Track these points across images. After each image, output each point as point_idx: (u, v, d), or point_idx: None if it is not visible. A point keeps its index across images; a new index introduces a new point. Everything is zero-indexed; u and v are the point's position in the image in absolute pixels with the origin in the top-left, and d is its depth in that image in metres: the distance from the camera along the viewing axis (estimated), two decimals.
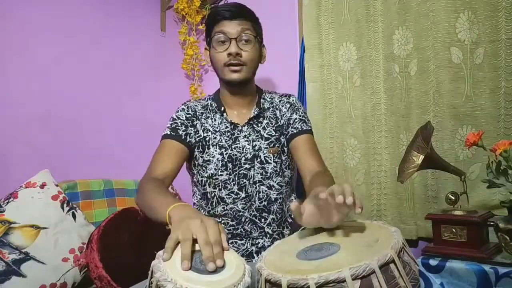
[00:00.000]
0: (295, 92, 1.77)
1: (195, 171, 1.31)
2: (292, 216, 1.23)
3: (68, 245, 1.48)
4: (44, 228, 1.45)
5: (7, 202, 1.44)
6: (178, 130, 1.26)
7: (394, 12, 1.48)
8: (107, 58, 1.99)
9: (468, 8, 1.33)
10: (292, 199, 1.35)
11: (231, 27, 1.24)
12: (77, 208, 1.59)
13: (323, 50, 1.68)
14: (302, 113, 1.35)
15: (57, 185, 1.56)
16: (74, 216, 1.55)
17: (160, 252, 0.81)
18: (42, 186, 1.51)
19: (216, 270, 0.78)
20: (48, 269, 1.41)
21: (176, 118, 1.29)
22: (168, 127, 1.28)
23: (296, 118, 1.32)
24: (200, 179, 1.28)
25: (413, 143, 1.16)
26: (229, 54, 1.23)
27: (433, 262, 1.05)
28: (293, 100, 1.37)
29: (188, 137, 1.27)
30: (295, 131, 1.30)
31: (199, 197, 1.33)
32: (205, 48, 1.34)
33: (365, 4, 1.56)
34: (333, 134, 1.64)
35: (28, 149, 1.69)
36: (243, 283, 0.76)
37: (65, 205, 1.54)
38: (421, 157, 1.12)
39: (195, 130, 1.29)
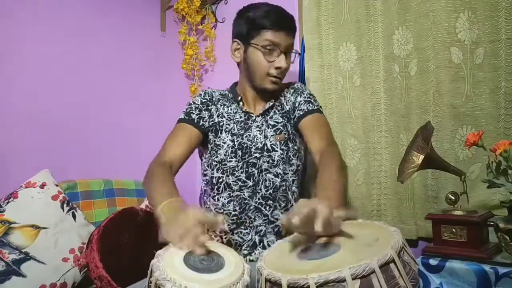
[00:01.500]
0: None
1: (206, 155, 1.33)
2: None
3: (68, 245, 1.48)
4: (44, 228, 1.45)
5: (7, 202, 1.44)
6: (192, 114, 1.30)
7: (394, 12, 1.48)
8: (107, 58, 1.99)
9: (468, 8, 1.32)
10: (297, 189, 1.34)
11: (283, 40, 1.26)
12: (77, 208, 1.59)
13: (323, 50, 1.68)
14: (307, 95, 1.35)
15: (57, 185, 1.57)
16: (74, 216, 1.55)
17: (160, 252, 0.82)
18: (42, 186, 1.51)
19: (215, 268, 0.78)
20: (48, 269, 1.41)
21: (192, 103, 1.33)
22: (183, 111, 1.32)
23: (301, 101, 1.33)
24: (211, 163, 1.30)
25: (413, 143, 1.16)
26: (278, 68, 1.26)
27: (433, 262, 1.04)
28: (297, 86, 1.39)
29: (201, 120, 1.30)
30: (301, 113, 1.30)
31: (205, 182, 1.34)
32: (235, 41, 1.32)
33: (365, 4, 1.56)
34: (333, 134, 1.64)
35: (28, 149, 1.69)
36: (242, 281, 0.77)
37: (65, 205, 1.54)
38: (421, 157, 1.12)
39: (210, 114, 1.32)
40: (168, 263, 0.77)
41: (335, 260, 0.73)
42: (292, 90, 1.37)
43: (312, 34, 1.69)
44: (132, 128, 2.05)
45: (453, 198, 1.10)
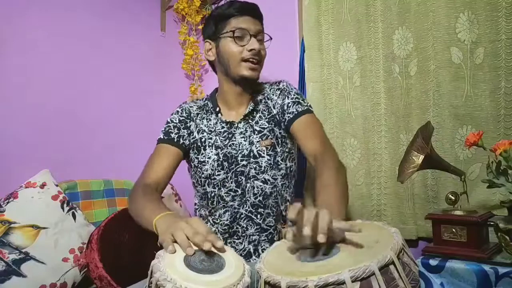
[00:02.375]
0: None
1: (192, 172, 1.32)
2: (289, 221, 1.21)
3: (68, 245, 1.48)
4: (44, 228, 1.45)
5: (7, 202, 1.44)
6: (171, 133, 1.28)
7: (394, 12, 1.48)
8: (107, 58, 1.99)
9: (468, 8, 1.32)
10: (289, 195, 1.31)
11: (251, 24, 1.25)
12: (77, 208, 1.59)
13: (323, 50, 1.68)
14: (294, 95, 1.29)
15: (57, 185, 1.57)
16: (74, 216, 1.55)
17: (160, 252, 0.82)
18: (42, 186, 1.51)
19: (215, 269, 0.78)
20: (48, 269, 1.41)
21: (170, 122, 1.31)
22: (162, 131, 1.30)
23: (289, 103, 1.27)
24: (198, 179, 1.29)
25: (413, 143, 1.16)
26: (251, 50, 1.23)
27: (433, 262, 1.05)
28: (283, 86, 1.33)
29: (181, 139, 1.28)
30: (291, 116, 1.25)
31: (200, 197, 1.33)
32: (207, 41, 1.31)
33: (365, 4, 1.55)
34: (333, 134, 1.64)
35: (28, 149, 1.69)
36: (243, 282, 0.76)
37: (65, 205, 1.54)
38: (421, 157, 1.12)
39: (189, 132, 1.30)
40: (169, 263, 0.77)
41: (334, 262, 0.73)
42: (278, 92, 1.31)
43: (312, 34, 1.69)
44: (132, 128, 2.05)
45: (453, 198, 1.10)
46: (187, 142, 1.29)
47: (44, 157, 1.71)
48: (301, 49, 1.76)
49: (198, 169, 1.27)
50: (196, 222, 0.87)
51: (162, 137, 1.28)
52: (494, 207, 1.26)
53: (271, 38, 1.31)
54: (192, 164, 1.29)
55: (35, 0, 1.75)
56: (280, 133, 1.28)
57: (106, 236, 1.44)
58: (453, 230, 1.07)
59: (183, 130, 1.29)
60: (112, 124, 1.98)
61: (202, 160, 1.27)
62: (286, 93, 1.30)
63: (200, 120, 1.31)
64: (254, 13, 1.27)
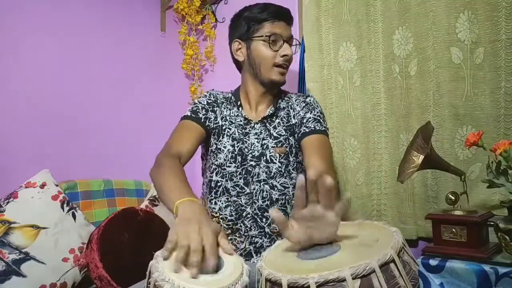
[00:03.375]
0: (295, 92, 1.77)
1: (207, 157, 1.32)
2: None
3: (68, 245, 1.48)
4: (44, 228, 1.45)
5: (7, 202, 1.44)
6: (199, 113, 1.28)
7: (394, 12, 1.48)
8: (107, 58, 1.99)
9: (468, 8, 1.33)
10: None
11: (284, 30, 1.28)
12: (77, 208, 1.59)
13: (323, 50, 1.68)
14: (318, 113, 1.30)
15: (57, 185, 1.57)
16: (74, 216, 1.55)
17: (158, 253, 0.82)
18: (42, 186, 1.51)
19: (214, 270, 0.78)
20: (48, 269, 1.41)
21: (198, 103, 1.32)
22: (189, 109, 1.30)
23: (310, 118, 1.28)
24: (210, 166, 1.29)
25: (413, 143, 1.16)
26: (284, 56, 1.26)
27: (433, 262, 1.04)
28: (310, 100, 1.34)
29: (207, 121, 1.29)
30: (307, 130, 1.26)
31: (205, 185, 1.33)
32: (236, 41, 1.32)
33: (365, 4, 1.56)
34: (333, 134, 1.64)
35: (28, 149, 1.69)
36: (241, 282, 0.76)
37: (65, 205, 1.54)
38: (421, 157, 1.12)
39: (215, 116, 1.31)
40: (167, 264, 0.77)
41: (335, 259, 0.73)
42: (303, 104, 1.32)
43: (312, 34, 1.69)
44: (132, 128, 2.05)
45: (453, 198, 1.10)
46: (212, 125, 1.30)
47: (44, 157, 1.71)
48: (301, 49, 1.76)
49: (214, 155, 1.28)
50: (207, 233, 0.83)
51: (188, 114, 1.28)
52: (494, 207, 1.26)
53: (299, 43, 1.34)
54: (210, 149, 1.30)
55: None
56: (294, 143, 1.30)
57: (106, 236, 1.43)
58: (453, 230, 1.06)
59: (210, 113, 1.30)
60: (112, 124, 1.98)
61: (219, 147, 1.28)
62: (311, 108, 1.31)
63: (224, 108, 1.33)
64: (288, 18, 1.30)
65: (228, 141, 1.28)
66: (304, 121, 1.28)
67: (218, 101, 1.34)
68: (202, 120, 1.28)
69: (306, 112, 1.30)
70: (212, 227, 0.86)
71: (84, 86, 1.89)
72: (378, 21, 1.53)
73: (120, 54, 2.05)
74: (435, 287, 1.03)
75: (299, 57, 1.78)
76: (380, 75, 1.53)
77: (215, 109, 1.32)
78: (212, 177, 1.28)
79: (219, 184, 1.26)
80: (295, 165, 1.29)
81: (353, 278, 0.66)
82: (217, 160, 1.27)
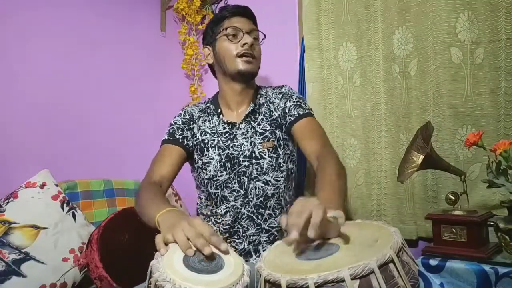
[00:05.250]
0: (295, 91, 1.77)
1: (195, 174, 1.34)
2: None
3: (68, 245, 1.48)
4: (44, 228, 1.45)
5: (7, 202, 1.44)
6: (175, 135, 1.30)
7: (394, 12, 1.48)
8: (107, 58, 1.99)
9: (468, 8, 1.32)
10: (289, 197, 1.33)
11: (243, 23, 1.31)
12: (77, 208, 1.59)
13: (323, 50, 1.68)
14: (296, 98, 1.33)
15: (57, 185, 1.57)
16: (74, 216, 1.55)
17: (159, 253, 0.82)
18: (42, 186, 1.51)
19: (214, 269, 0.78)
20: (48, 269, 1.41)
21: (173, 123, 1.34)
22: (166, 132, 1.32)
23: (290, 106, 1.31)
24: (201, 181, 1.30)
25: (413, 143, 1.16)
26: (245, 44, 1.27)
27: (433, 262, 1.05)
28: (285, 90, 1.37)
29: (185, 140, 1.30)
30: (292, 118, 1.29)
31: (203, 198, 1.34)
32: (205, 47, 1.37)
33: (365, 4, 1.55)
34: (333, 134, 1.64)
35: (28, 149, 1.69)
36: (242, 282, 0.76)
37: (65, 205, 1.54)
38: (421, 157, 1.12)
39: (192, 133, 1.32)
40: (168, 264, 0.77)
41: (334, 260, 0.73)
42: (280, 95, 1.35)
43: (312, 34, 1.69)
44: (132, 128, 2.05)
45: (453, 198, 1.10)
46: (190, 143, 1.31)
47: (44, 157, 1.71)
48: (301, 49, 1.76)
49: (202, 170, 1.29)
50: (199, 223, 0.86)
51: (166, 137, 1.31)
52: (494, 207, 1.26)
53: (265, 36, 1.36)
54: (196, 165, 1.31)
55: None
56: (281, 135, 1.31)
57: (106, 236, 1.44)
58: (453, 230, 1.06)
59: (186, 132, 1.32)
60: (112, 123, 1.98)
61: (205, 161, 1.29)
62: (288, 97, 1.34)
63: (202, 122, 1.34)
64: (246, 13, 1.33)
65: (214, 152, 1.29)
66: (286, 110, 1.31)
67: (194, 117, 1.35)
68: (180, 141, 1.29)
69: (285, 102, 1.33)
70: (199, 219, 0.89)
71: (84, 86, 1.89)
72: (378, 21, 1.53)
73: (120, 54, 2.05)
74: (436, 287, 1.03)
75: (299, 57, 1.78)
76: (380, 75, 1.53)
77: (192, 126, 1.33)
78: (208, 190, 1.29)
79: (217, 195, 1.28)
80: (284, 158, 1.30)
81: (352, 279, 0.66)
82: (207, 174, 1.28)
